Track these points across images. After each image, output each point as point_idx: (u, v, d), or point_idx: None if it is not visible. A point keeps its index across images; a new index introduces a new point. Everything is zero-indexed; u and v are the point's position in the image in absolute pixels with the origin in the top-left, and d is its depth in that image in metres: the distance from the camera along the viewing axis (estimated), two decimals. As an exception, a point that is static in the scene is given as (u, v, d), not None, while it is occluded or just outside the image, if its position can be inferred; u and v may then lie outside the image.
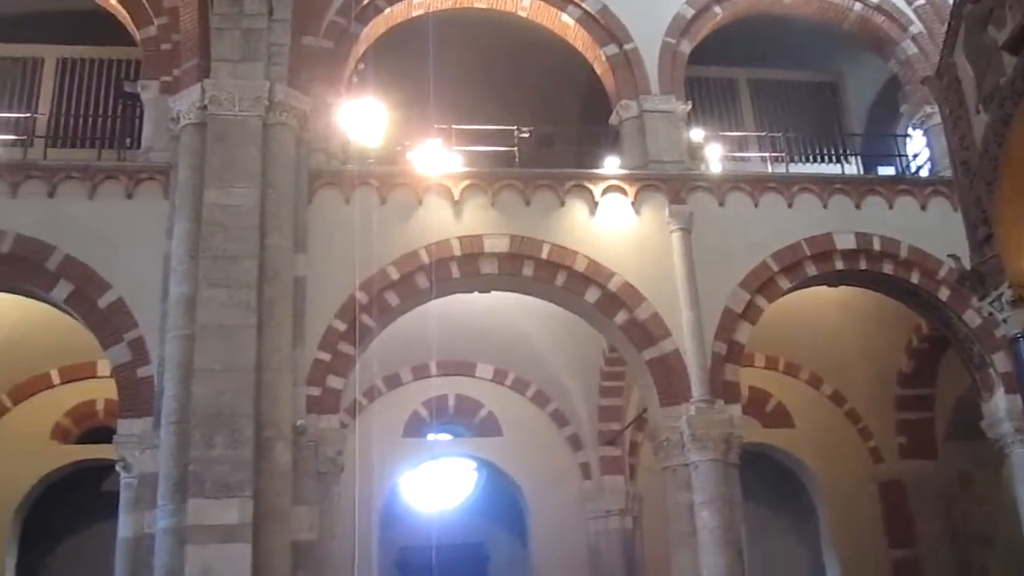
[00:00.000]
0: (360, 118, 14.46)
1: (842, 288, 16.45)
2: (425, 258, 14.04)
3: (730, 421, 13.90)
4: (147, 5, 15.00)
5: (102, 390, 18.20)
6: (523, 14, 16.37)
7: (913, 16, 17.11)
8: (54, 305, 13.88)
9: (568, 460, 20.02)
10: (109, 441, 13.36)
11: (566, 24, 16.24)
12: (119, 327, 13.31)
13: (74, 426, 19.11)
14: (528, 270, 14.42)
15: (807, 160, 19.28)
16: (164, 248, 13.42)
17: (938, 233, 14.97)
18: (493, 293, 15.45)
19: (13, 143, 16.27)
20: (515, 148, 16.32)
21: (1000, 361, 14.72)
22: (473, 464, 21.45)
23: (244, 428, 12.12)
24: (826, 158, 19.58)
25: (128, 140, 15.99)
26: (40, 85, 17.33)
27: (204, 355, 12.38)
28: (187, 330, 12.57)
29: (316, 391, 13.18)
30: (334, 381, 13.39)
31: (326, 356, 13.37)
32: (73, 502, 19.17)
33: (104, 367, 16.73)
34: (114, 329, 13.34)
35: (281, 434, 12.47)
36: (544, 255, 14.34)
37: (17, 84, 17.27)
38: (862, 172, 18.51)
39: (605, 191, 14.81)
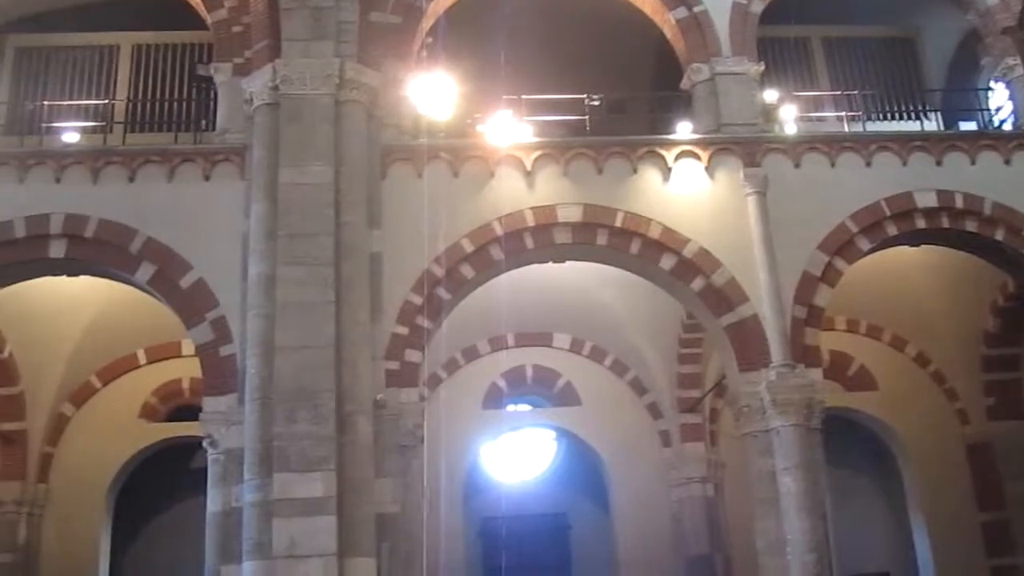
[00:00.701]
0: (430, 92, 14.48)
1: (924, 247, 16.08)
2: (498, 230, 14.05)
3: (811, 386, 13.73)
4: (217, -12, 15.19)
5: (187, 369, 18.61)
6: (591, -20, 16.23)
7: (992, -35, 16.57)
8: (138, 287, 14.22)
9: (648, 428, 19.95)
10: (195, 419, 13.67)
11: (634, -12, 16.07)
12: (201, 307, 13.57)
13: (161, 405, 19.57)
14: (602, 239, 14.36)
15: (885, 118, 18.86)
16: (242, 228, 13.63)
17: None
18: (568, 263, 15.41)
19: (93, 130, 16.65)
20: (586, 116, 16.20)
21: (1090, 318, 14.31)
22: (552, 434, 21.49)
23: (326, 403, 12.31)
24: (904, 115, 19.13)
25: (203, 123, 16.25)
26: (117, 72, 17.66)
27: (284, 332, 12.58)
28: (267, 308, 12.79)
29: (395, 365, 13.31)
30: (412, 355, 13.51)
31: (404, 330, 13.49)
32: (162, 479, 19.65)
33: (188, 346, 17.01)
34: (196, 309, 13.60)
35: (362, 408, 12.63)
36: (618, 223, 14.26)
37: (95, 72, 17.63)
38: (942, 128, 18.06)
39: (678, 157, 14.67)
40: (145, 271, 13.75)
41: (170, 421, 19.34)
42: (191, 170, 14.18)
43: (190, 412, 16.34)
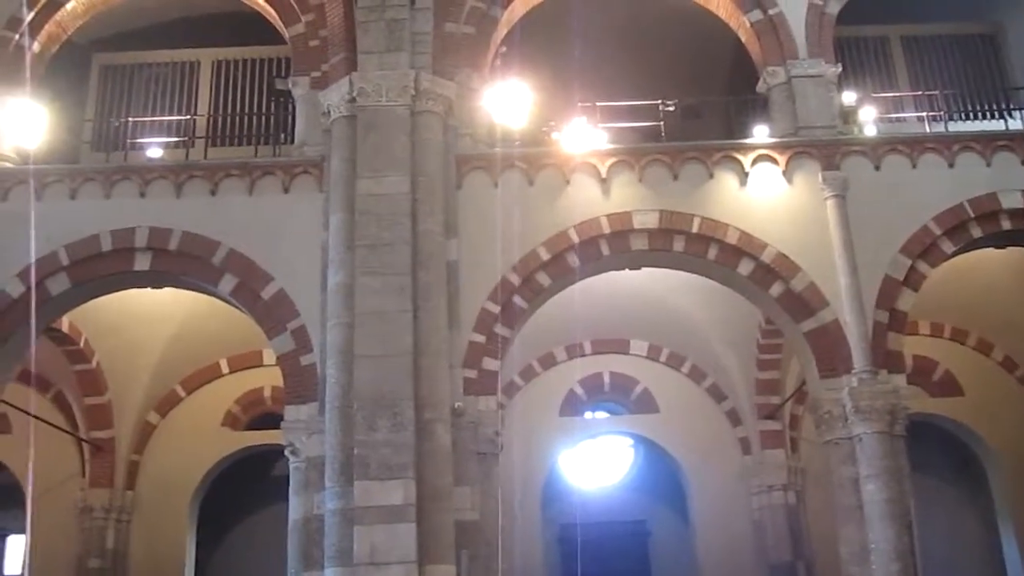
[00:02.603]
0: (504, 101, 14.55)
1: (1010, 249, 15.68)
2: (575, 237, 14.06)
3: (895, 392, 13.50)
4: (294, 4, 15.44)
5: (268, 378, 18.97)
6: (664, -15, 16.17)
7: (1079, -43, 16.16)
8: (220, 298, 14.50)
9: (727, 435, 19.78)
10: (277, 427, 13.89)
11: (707, -8, 15.97)
12: (282, 317, 13.77)
13: (243, 413, 19.93)
14: (679, 245, 14.27)
15: (967, 117, 18.41)
16: (321, 239, 13.82)
17: (1116, 184, 14.19)
18: (644, 269, 15.35)
19: (175, 145, 17.02)
20: (661, 122, 16.12)
21: None
22: (631, 441, 21.41)
23: (405, 411, 12.42)
24: (988, 114, 18.68)
25: (282, 136, 16.53)
26: (198, 88, 18.01)
27: (364, 341, 12.72)
28: (346, 318, 12.95)
29: (472, 373, 13.39)
30: (489, 363, 13.57)
31: (481, 338, 13.55)
32: (244, 487, 19.99)
33: (269, 356, 17.39)
34: (277, 319, 13.81)
35: (440, 416, 12.72)
36: (694, 229, 14.17)
37: (176, 88, 17.99)
38: (1028, 127, 17.62)
39: (755, 161, 14.53)
40: (227, 282, 14.00)
41: (252, 429, 19.69)
42: (271, 183, 14.42)
43: (272, 420, 16.65)
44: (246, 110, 17.74)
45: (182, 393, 19.46)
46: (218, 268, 13.98)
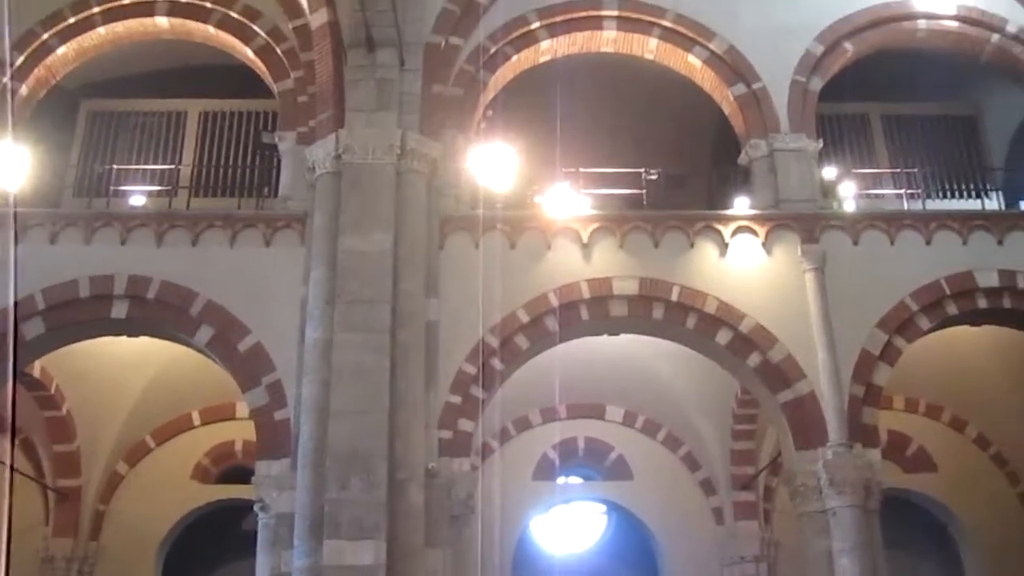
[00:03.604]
0: (489, 163, 14.65)
1: (986, 327, 15.84)
2: (554, 301, 14.08)
3: (869, 466, 13.51)
4: (284, 60, 15.57)
5: (241, 431, 18.79)
6: (650, 56, 16.39)
7: (1055, 45, 16.52)
8: (196, 349, 14.41)
9: (701, 505, 19.66)
10: (247, 481, 13.73)
11: (693, 65, 16.19)
12: (258, 371, 13.69)
13: (213, 466, 19.69)
14: (658, 312, 14.32)
15: (945, 196, 18.71)
16: (301, 294, 13.79)
17: (1088, 268, 14.38)
18: (622, 335, 15.38)
19: (159, 194, 17.04)
20: (643, 190, 16.28)
21: None
22: (603, 508, 21.27)
23: (378, 470, 12.31)
24: (965, 193, 18.98)
25: (266, 189, 16.57)
26: (184, 138, 18.09)
27: (340, 398, 12.64)
28: (323, 374, 12.87)
29: (448, 434, 13.31)
30: (465, 424, 13.50)
31: (457, 399, 13.50)
32: (212, 541, 19.70)
33: (243, 409, 17.22)
34: (253, 372, 13.72)
35: (414, 476, 12.62)
36: (674, 297, 14.23)
37: (163, 137, 18.07)
38: (1003, 207, 17.89)
39: (735, 232, 14.64)
40: (204, 333, 13.92)
41: (222, 483, 19.44)
42: (253, 235, 14.41)
43: (242, 474, 16.44)
44: (231, 162, 17.81)
45: (152, 444, 19.22)
46: (195, 319, 13.91)
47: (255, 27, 15.81)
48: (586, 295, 14.21)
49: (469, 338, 13.71)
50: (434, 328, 13.62)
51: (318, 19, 14.53)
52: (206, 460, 19.60)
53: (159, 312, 14.06)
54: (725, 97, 16.10)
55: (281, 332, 13.75)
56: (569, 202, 15.44)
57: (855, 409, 13.79)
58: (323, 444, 12.51)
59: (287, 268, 14.13)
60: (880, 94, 18.86)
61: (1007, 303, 14.70)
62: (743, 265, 14.51)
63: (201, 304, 13.90)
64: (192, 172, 17.62)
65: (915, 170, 17.89)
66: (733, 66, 15.88)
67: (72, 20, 15.95)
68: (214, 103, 18.38)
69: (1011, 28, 16.60)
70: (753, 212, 15.02)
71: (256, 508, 13.27)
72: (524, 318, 13.98)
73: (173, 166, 17.69)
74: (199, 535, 19.60)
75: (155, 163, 17.83)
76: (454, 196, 14.57)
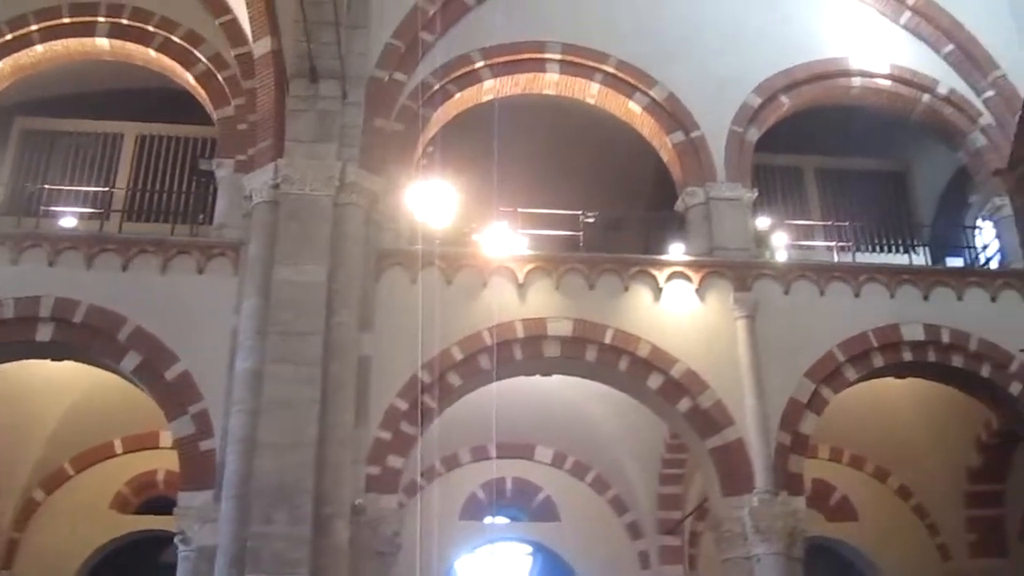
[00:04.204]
0: (428, 199, 14.64)
1: (910, 380, 16.12)
2: (488, 340, 14.07)
3: (794, 514, 13.64)
4: (225, 86, 15.45)
5: (164, 461, 18.38)
6: (591, 101, 16.59)
7: (983, 108, 17.02)
8: (122, 375, 14.12)
9: (627, 548, 19.67)
10: (168, 512, 13.51)
11: (633, 111, 16.40)
12: (184, 400, 13.45)
13: (134, 496, 19.25)
14: (591, 354, 14.38)
15: (874, 250, 19.13)
16: (232, 323, 13.62)
17: (1009, 326, 14.83)
18: (555, 376, 15.41)
19: (90, 216, 16.76)
20: (580, 232, 16.40)
21: (1074, 459, 14.33)
22: (530, 549, 21.16)
23: (303, 505, 12.15)
24: (894, 248, 19.40)
25: (201, 216, 16.36)
26: (119, 160, 17.87)
27: (267, 430, 12.48)
28: (251, 405, 12.71)
29: (376, 470, 13.19)
30: (394, 460, 13.39)
31: (387, 435, 13.39)
32: (130, 573, 19.20)
33: (167, 438, 16.90)
34: (179, 401, 13.48)
35: (340, 512, 12.47)
36: (607, 340, 14.31)
37: (97, 159, 17.82)
38: (930, 263, 18.32)
39: (670, 277, 14.79)
40: (131, 360, 13.65)
41: (142, 513, 18.99)
42: (185, 262, 14.21)
43: (164, 505, 16.12)
44: (166, 187, 17.59)
45: (71, 471, 18.71)
46: (123, 344, 13.65)
47: (197, 52, 15.69)
48: (520, 335, 14.23)
49: (402, 374, 13.63)
50: (366, 362, 13.52)
51: (262, 48, 14.48)
52: (127, 489, 19.15)
53: (86, 336, 13.77)
54: (664, 144, 16.32)
55: (210, 361, 13.53)
56: (506, 241, 15.50)
57: (782, 457, 13.94)
58: (248, 477, 12.33)
59: (219, 297, 13.94)
60: (814, 147, 19.29)
61: (931, 357, 15.03)
62: (676, 310, 14.64)
63: (129, 330, 13.66)
64: (126, 195, 17.38)
65: (846, 223, 18.28)
66: (673, 114, 16.13)
67: (9, 36, 15.69)
68: (152, 127, 18.19)
69: (941, 89, 17.13)
70: (688, 258, 15.20)
71: (177, 540, 13.00)
72: (458, 355, 13.94)
73: (107, 188, 17.43)
74: (117, 566, 19.09)
75: (88, 185, 17.58)
76: (392, 230, 14.55)
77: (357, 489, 12.89)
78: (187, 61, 15.78)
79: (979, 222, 18.80)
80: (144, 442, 18.87)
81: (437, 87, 15.70)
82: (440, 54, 15.80)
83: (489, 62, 16.08)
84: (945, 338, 14.96)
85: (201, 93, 15.87)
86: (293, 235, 13.50)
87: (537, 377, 15.43)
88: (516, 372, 14.76)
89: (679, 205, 15.94)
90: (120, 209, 16.87)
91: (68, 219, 16.49)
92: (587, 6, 16.65)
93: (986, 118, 16.98)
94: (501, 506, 20.56)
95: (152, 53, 15.93)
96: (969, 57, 17.22)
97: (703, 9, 16.97)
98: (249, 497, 12.22)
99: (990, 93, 17.02)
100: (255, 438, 12.48)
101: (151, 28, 15.81)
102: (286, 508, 12.09)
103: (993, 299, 15.35)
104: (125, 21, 15.85)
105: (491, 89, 16.32)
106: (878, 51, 17.22)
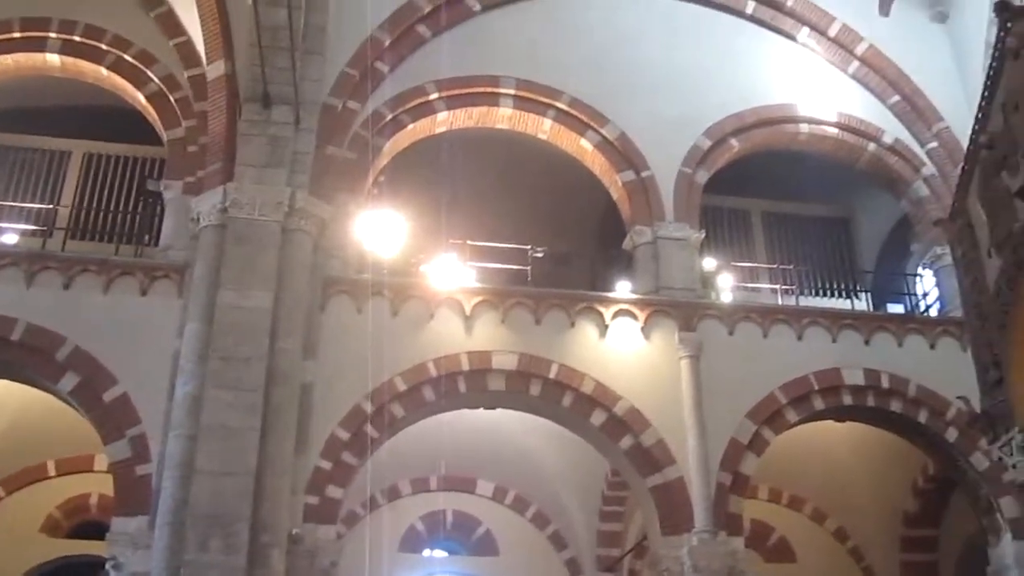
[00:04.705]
0: (378, 229, 14.60)
1: (849, 424, 16.33)
2: (433, 371, 14.01)
3: (732, 554, 13.69)
4: (177, 108, 15.36)
5: (98, 484, 18.05)
6: (543, 136, 16.68)
7: (926, 158, 17.41)
8: (59, 396, 13.83)
9: (566, 584, 19.64)
10: (101, 537, 13.18)
11: (584, 148, 16.51)
12: (122, 423, 13.21)
13: (66, 520, 18.86)
14: (535, 389, 14.37)
15: (817, 294, 19.41)
16: (174, 346, 13.42)
17: (947, 373, 14.98)
18: (498, 410, 15.39)
19: (33, 233, 16.49)
20: (528, 267, 16.45)
21: (1008, 506, 14.54)
22: (468, 583, 21.05)
23: (240, 533, 11.94)
24: (836, 293, 19.69)
25: (147, 237, 16.18)
26: (65, 178, 17.64)
27: (205, 456, 12.27)
28: (190, 430, 12.49)
29: (315, 500, 13.02)
30: (333, 491, 13.23)
31: (327, 464, 13.24)
32: (59, 599, 18.81)
33: (102, 462, 16.62)
34: (117, 424, 13.23)
35: (277, 541, 12.27)
36: (552, 375, 14.32)
37: (43, 175, 17.57)
38: (872, 308, 18.61)
39: (616, 314, 14.85)
40: (69, 380, 13.38)
41: (74, 538, 18.60)
42: (128, 283, 13.99)
43: (96, 530, 15.78)
44: (112, 207, 17.37)
45: (1, 493, 18.29)
46: (61, 364, 13.38)
47: (149, 72, 15.58)
48: (465, 367, 14.18)
49: (344, 403, 13.52)
50: (309, 390, 13.38)
51: (215, 71, 14.41)
52: (58, 513, 18.77)
53: (23, 355, 13.48)
54: (614, 182, 16.44)
55: (150, 384, 13.31)
56: (454, 273, 15.49)
57: (721, 497, 14.00)
58: (184, 503, 12.11)
59: (162, 319, 13.73)
60: (762, 191, 19.56)
61: (871, 401, 15.23)
62: (621, 348, 14.70)
63: (68, 350, 13.40)
64: (71, 214, 17.15)
65: (791, 267, 18.55)
66: (624, 153, 16.27)
67: (-43, 50, 15.49)
68: (100, 145, 18.01)
69: (887, 139, 17.49)
70: (634, 296, 15.29)
71: (108, 566, 12.70)
72: (401, 386, 13.85)
73: (51, 206, 17.17)
74: (45, 592, 18.68)
75: (32, 201, 17.31)
76: (340, 258, 14.45)
77: (295, 519, 12.70)
78: (139, 81, 15.65)
79: (920, 270, 19.16)
80: (78, 465, 18.50)
81: (390, 117, 15.68)
82: (396, 84, 15.81)
83: (443, 94, 16.11)
84: (884, 383, 15.17)
85: (152, 113, 15.74)
86: (239, 259, 13.36)
87: (481, 410, 15.39)
88: (460, 405, 14.73)
89: (627, 243, 16.05)
90: (64, 227, 16.62)
91: (10, 235, 16.21)
92: (543, 43, 16.78)
93: (929, 168, 17.36)
94: (441, 539, 20.44)
95: (104, 71, 15.79)
96: (914, 108, 17.63)
97: (657, 51, 17.17)
98: (184, 524, 11.98)
99: (934, 144, 17.42)
100: (193, 464, 12.26)
101: (103, 46, 15.67)
102: (222, 536, 11.87)
103: (932, 346, 15.61)
104: (77, 38, 15.70)
105: (444, 121, 16.34)
106: (826, 99, 17.54)
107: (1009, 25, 9.79)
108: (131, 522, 12.73)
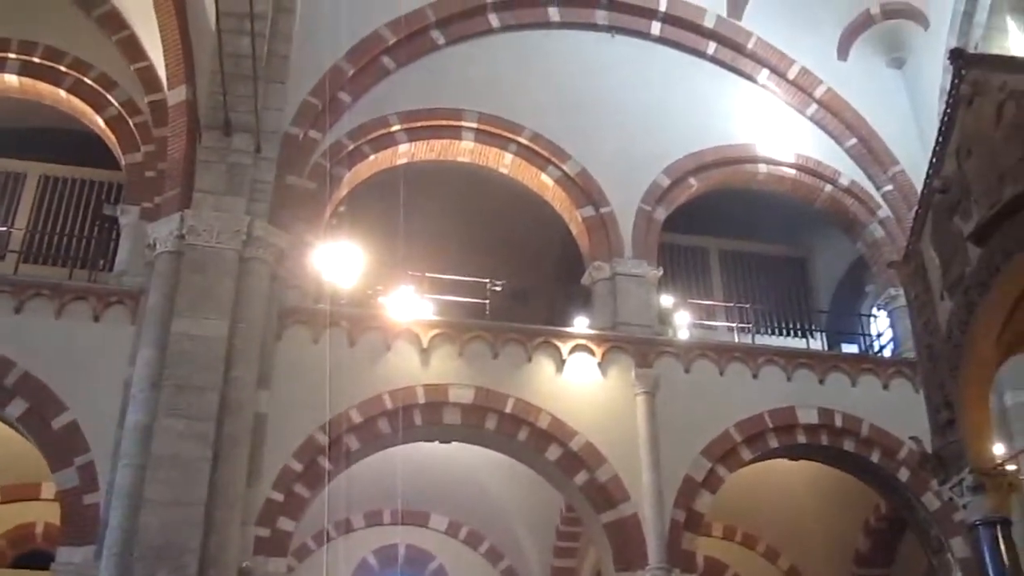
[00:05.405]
0: (336, 259, 14.53)
1: (803, 462, 16.43)
2: (389, 403, 13.92)
3: (686, 591, 13.68)
4: (136, 132, 15.26)
5: (44, 513, 17.69)
6: (504, 171, 16.73)
7: (881, 201, 17.66)
8: (6, 422, 13.55)
9: (518, 620, 19.51)
10: (46, 567, 12.89)
11: (545, 183, 16.58)
12: (70, 451, 12.98)
13: (10, 549, 18.43)
14: (491, 423, 14.33)
15: (773, 332, 19.54)
16: (126, 374, 13.24)
17: (899, 413, 15.12)
18: (454, 443, 15.31)
19: (-16, 256, 16.25)
20: (487, 300, 16.44)
21: (958, 546, 14.65)
22: (419, 619, 20.85)
23: (188, 565, 11.73)
24: (792, 332, 19.84)
25: (101, 262, 15.97)
26: (20, 200, 17.37)
27: (155, 486, 12.07)
28: (140, 459, 12.29)
29: (266, 532, 12.84)
30: (285, 523, 13.07)
31: (279, 496, 13.08)
32: (-1, 630, 18.39)
33: (49, 490, 16.30)
34: (65, 452, 13.00)
35: (226, 574, 12.08)
36: (508, 409, 14.28)
37: (-4, 197, 17.33)
38: (826, 348, 18.76)
39: (573, 349, 14.87)
40: (17, 406, 13.14)
41: (17, 567, 18.18)
42: (81, 308, 13.81)
43: (41, 560, 15.49)
44: (67, 230, 17.15)
45: (-57, 521, 17.96)
46: (9, 390, 13.14)
47: (109, 96, 15.49)
48: (421, 400, 14.11)
49: (298, 434, 13.38)
50: (262, 421, 13.21)
51: (176, 96, 14.32)
52: (2, 542, 18.32)
53: (-31, 379, 13.27)
54: (574, 218, 16.51)
55: (101, 412, 13.11)
56: (412, 306, 15.45)
57: (676, 534, 14.00)
58: (132, 534, 11.89)
59: (114, 346, 13.55)
60: (720, 230, 19.72)
61: (824, 440, 15.34)
62: (578, 383, 14.71)
63: (17, 375, 13.18)
64: (24, 236, 16.90)
65: (747, 305, 18.69)
66: (584, 188, 16.35)
67: (-87, 68, 15.30)
68: (56, 168, 17.76)
69: (843, 181, 17.72)
70: (591, 332, 15.31)
71: (51, 598, 12.48)
72: (357, 418, 13.74)
73: (4, 228, 16.93)
74: (-16, 623, 18.26)
75: (-15, 224, 17.07)
76: (297, 288, 14.35)
77: (245, 551, 12.51)
78: (98, 104, 15.55)
79: (874, 311, 19.38)
80: (24, 493, 18.09)
81: (352, 147, 15.67)
82: (358, 115, 15.80)
83: (405, 126, 16.13)
84: (838, 422, 15.30)
85: (110, 137, 15.63)
86: (195, 287, 13.21)
87: (436, 443, 15.31)
88: (416, 438, 14.63)
89: (585, 279, 16.10)
90: (17, 250, 16.39)
91: (-40, 257, 15.98)
92: (506, 78, 16.86)
93: (884, 211, 17.60)
94: (394, 573, 20.25)
95: (62, 93, 15.69)
96: (871, 151, 17.90)
97: (619, 89, 17.31)
98: (132, 555, 11.78)
99: (889, 187, 17.68)
100: (142, 494, 12.05)
101: (63, 68, 15.57)
102: (170, 568, 11.66)
103: (885, 387, 15.78)
104: (37, 59, 15.60)
105: (406, 153, 16.35)
106: (785, 140, 17.76)
107: (963, 72, 10.01)
108: (77, 552, 12.50)
